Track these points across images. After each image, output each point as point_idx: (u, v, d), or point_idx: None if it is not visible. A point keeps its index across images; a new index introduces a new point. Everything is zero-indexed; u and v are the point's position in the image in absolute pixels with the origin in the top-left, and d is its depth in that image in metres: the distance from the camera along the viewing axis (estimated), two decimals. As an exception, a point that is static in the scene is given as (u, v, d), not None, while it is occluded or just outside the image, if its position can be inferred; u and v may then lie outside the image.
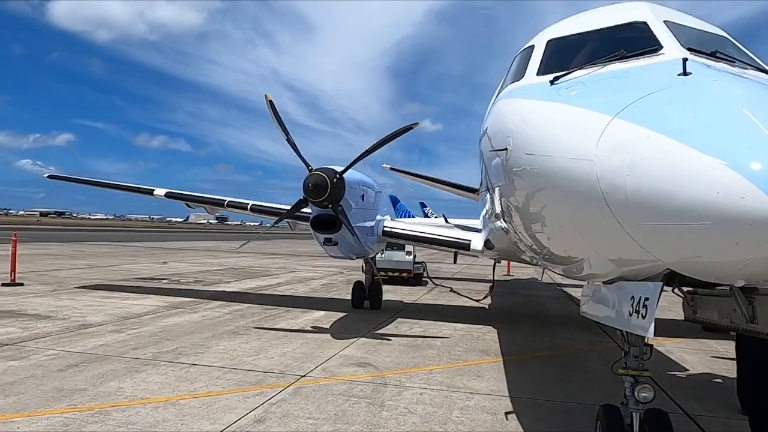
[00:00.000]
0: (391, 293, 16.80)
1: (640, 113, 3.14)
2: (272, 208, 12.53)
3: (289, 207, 10.45)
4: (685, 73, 3.41)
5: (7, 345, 7.98)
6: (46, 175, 14.66)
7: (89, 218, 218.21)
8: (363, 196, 10.53)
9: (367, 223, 10.94)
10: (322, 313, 12.29)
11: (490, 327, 11.33)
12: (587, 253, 3.85)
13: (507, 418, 5.79)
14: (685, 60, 3.48)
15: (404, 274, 19.28)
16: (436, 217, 32.39)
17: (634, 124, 3.10)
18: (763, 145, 2.60)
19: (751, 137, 2.66)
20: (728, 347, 8.70)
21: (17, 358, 7.29)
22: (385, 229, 11.83)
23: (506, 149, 4.35)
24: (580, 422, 5.68)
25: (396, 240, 12.51)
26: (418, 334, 10.37)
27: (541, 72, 4.72)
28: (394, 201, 43.64)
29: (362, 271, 13.51)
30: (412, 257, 19.43)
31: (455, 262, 25.23)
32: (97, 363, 7.20)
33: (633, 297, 3.56)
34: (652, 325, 3.31)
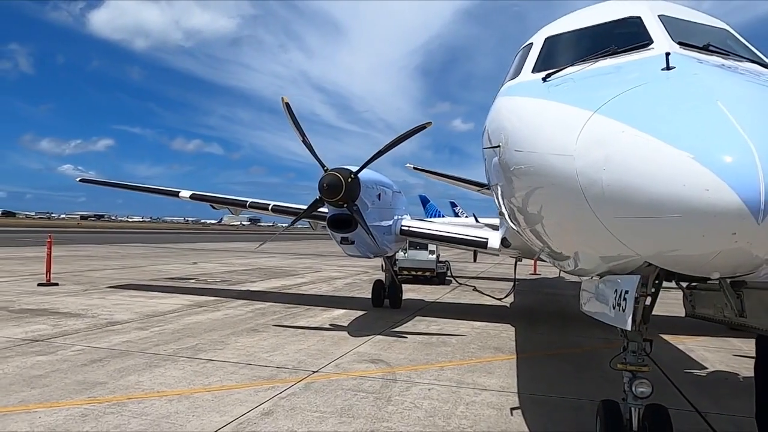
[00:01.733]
0: (413, 292, 16.89)
1: (618, 108, 3.18)
2: (292, 208, 12.76)
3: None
4: (668, 68, 3.43)
5: (37, 341, 8.37)
6: (78, 179, 15.27)
7: (127, 221, 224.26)
8: (379, 195, 10.65)
9: (383, 222, 11.05)
10: (342, 311, 12.47)
11: (508, 325, 11.32)
12: (574, 248, 3.89)
13: (512, 414, 5.83)
14: (667, 54, 3.49)
15: (427, 273, 19.33)
16: (466, 216, 32.28)
17: (611, 119, 3.14)
18: (730, 137, 2.62)
19: (719, 130, 2.68)
20: (753, 346, 8.53)
21: (45, 353, 7.66)
22: (403, 228, 11.92)
23: (499, 146, 4.41)
24: (586, 418, 5.66)
25: (413, 239, 12.58)
26: (435, 332, 10.43)
27: (536, 69, 4.76)
28: (424, 201, 43.58)
29: (382, 269, 13.62)
30: (435, 256, 19.47)
31: (475, 260, 25.13)
32: (119, 358, 7.50)
33: (616, 291, 3.60)
34: (630, 318, 3.35)
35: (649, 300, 4.68)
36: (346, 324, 10.83)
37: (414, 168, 20.61)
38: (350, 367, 7.49)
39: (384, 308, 13.19)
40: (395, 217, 11.83)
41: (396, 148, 9.56)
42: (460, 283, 19.07)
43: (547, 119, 3.77)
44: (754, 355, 7.49)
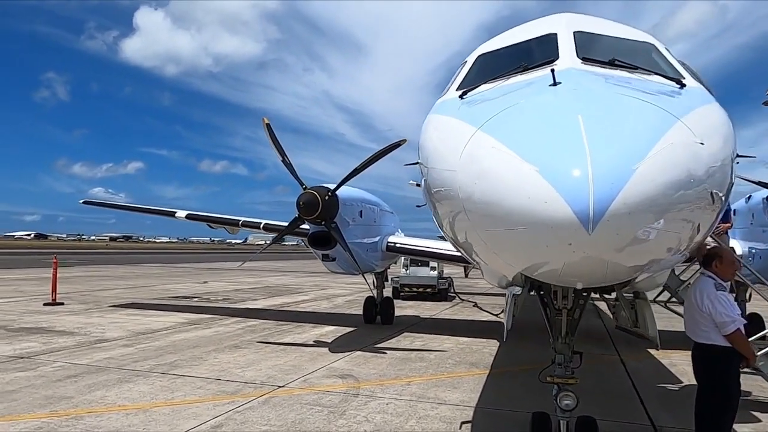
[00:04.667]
0: (411, 308, 16.91)
1: (495, 125, 3.28)
2: (282, 226, 12.94)
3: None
4: (554, 83, 3.53)
5: (22, 358, 8.67)
6: (81, 201, 15.80)
7: (154, 241, 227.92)
8: (361, 212, 10.80)
9: (367, 240, 11.18)
10: (332, 328, 12.58)
11: (494, 340, 11.27)
12: (477, 260, 3.97)
13: (460, 428, 5.86)
14: (553, 70, 3.59)
15: (429, 290, 19.33)
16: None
17: (487, 135, 3.24)
18: (573, 152, 2.70)
19: (567, 145, 2.76)
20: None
21: (26, 369, 7.93)
22: (389, 244, 12.03)
23: (419, 163, 4.54)
24: None
25: (400, 255, 12.67)
26: (417, 347, 10.46)
27: (460, 87, 4.87)
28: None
29: (373, 286, 13.72)
30: (436, 273, 19.47)
31: (466, 276, 25.23)
32: (94, 374, 7.74)
33: (507, 300, 3.68)
34: (506, 323, 3.42)
35: (578, 313, 4.77)
36: (330, 341, 10.92)
37: (416, 185, 20.70)
38: (317, 382, 7.59)
39: (375, 325, 13.24)
40: (381, 234, 11.95)
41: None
42: (462, 300, 19.07)
43: (447, 136, 3.88)
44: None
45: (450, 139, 3.76)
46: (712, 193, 3.05)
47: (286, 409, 6.31)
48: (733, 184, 4.81)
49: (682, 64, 5.43)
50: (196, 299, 18.35)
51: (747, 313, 11.62)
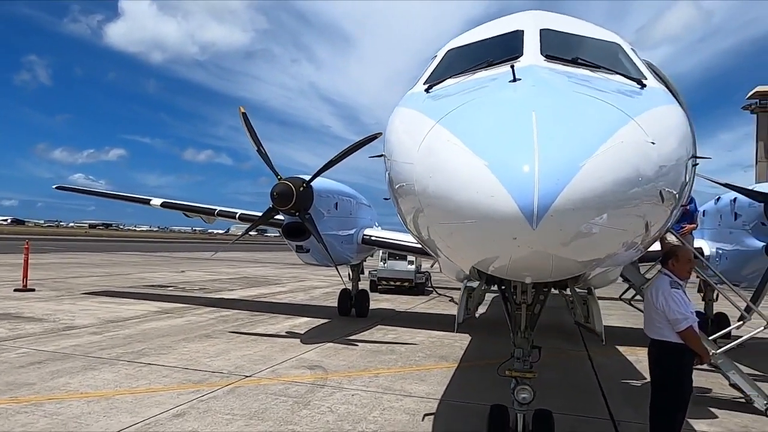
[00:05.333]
0: (387, 302, 16.97)
1: (453, 119, 3.30)
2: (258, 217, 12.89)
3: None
4: (514, 80, 3.55)
5: (-13, 344, 8.55)
6: (54, 186, 15.55)
7: (134, 230, 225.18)
8: (337, 204, 10.79)
9: (342, 232, 11.18)
10: (306, 319, 12.57)
11: (466, 335, 11.35)
12: (437, 254, 4.00)
13: (423, 420, 5.91)
14: (512, 66, 3.62)
15: (406, 284, 19.39)
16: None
17: (444, 129, 3.26)
18: (522, 147, 2.73)
19: (517, 140, 2.79)
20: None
21: (-11, 355, 7.82)
22: (365, 237, 12.05)
23: (383, 155, 4.55)
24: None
25: (376, 247, 12.71)
26: (389, 340, 10.51)
27: (427, 81, 4.88)
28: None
29: (348, 278, 13.74)
30: (414, 267, 19.54)
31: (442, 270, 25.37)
32: (59, 361, 7.65)
33: (461, 293, 3.71)
34: (458, 316, 3.45)
35: (538, 308, 4.84)
36: (303, 332, 10.92)
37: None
38: (285, 373, 7.60)
39: (350, 317, 13.27)
40: (357, 227, 11.96)
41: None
42: (439, 294, 19.19)
43: (409, 129, 3.89)
44: (704, 368, 7.61)
45: (411, 132, 3.77)
46: (662, 192, 3.10)
47: (250, 399, 6.31)
48: (688, 184, 4.89)
49: (648, 65, 5.50)
50: (171, 288, 18.21)
51: (714, 312, 11.90)
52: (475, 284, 4.71)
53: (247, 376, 7.30)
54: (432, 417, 6.02)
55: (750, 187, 7.98)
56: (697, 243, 10.56)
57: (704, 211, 10.53)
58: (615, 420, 6.20)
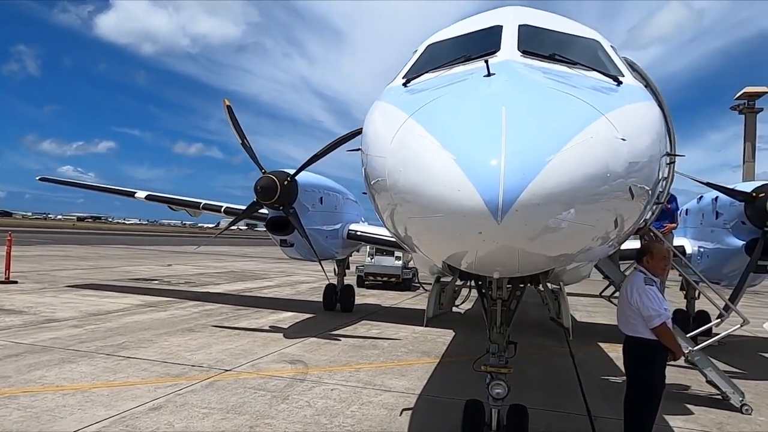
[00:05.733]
0: (374, 297, 16.97)
1: (425, 113, 3.29)
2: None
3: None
4: (488, 74, 3.54)
5: (-36, 336, 8.45)
6: (38, 178, 15.40)
7: (124, 223, 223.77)
8: (322, 199, 10.75)
9: (327, 226, 11.15)
10: (290, 314, 12.55)
11: (450, 330, 11.38)
12: (410, 248, 3.99)
13: (401, 415, 5.91)
14: (486, 61, 3.61)
15: (393, 279, 19.41)
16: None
17: (416, 123, 3.24)
18: (490, 141, 2.71)
19: (485, 135, 2.77)
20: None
21: (-34, 347, 7.73)
22: (350, 232, 12.03)
23: (360, 149, 4.52)
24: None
25: (361, 242, 12.69)
26: (372, 335, 10.51)
27: (405, 75, 4.86)
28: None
29: (334, 273, 13.72)
30: (401, 263, 19.55)
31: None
32: (37, 354, 7.58)
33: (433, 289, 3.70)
34: (426, 314, 3.45)
35: (514, 304, 4.85)
36: (286, 326, 10.90)
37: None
38: (265, 367, 7.57)
39: (335, 312, 13.26)
40: (343, 221, 11.93)
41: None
42: (426, 290, 19.18)
43: (383, 122, 3.87)
44: (675, 364, 7.70)
45: (385, 126, 3.75)
46: (632, 189, 3.10)
47: (228, 393, 6.28)
48: (662, 181, 4.91)
49: (629, 63, 5.50)
50: (156, 282, 18.10)
51: (696, 310, 12.02)
52: (448, 279, 4.72)
53: (226, 370, 7.27)
54: (410, 412, 6.03)
55: (731, 186, 8.04)
56: (680, 241, 10.65)
57: (687, 209, 10.61)
58: (592, 415, 6.24)
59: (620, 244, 4.62)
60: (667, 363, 4.89)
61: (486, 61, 3.62)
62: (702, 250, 10.06)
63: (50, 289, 14.59)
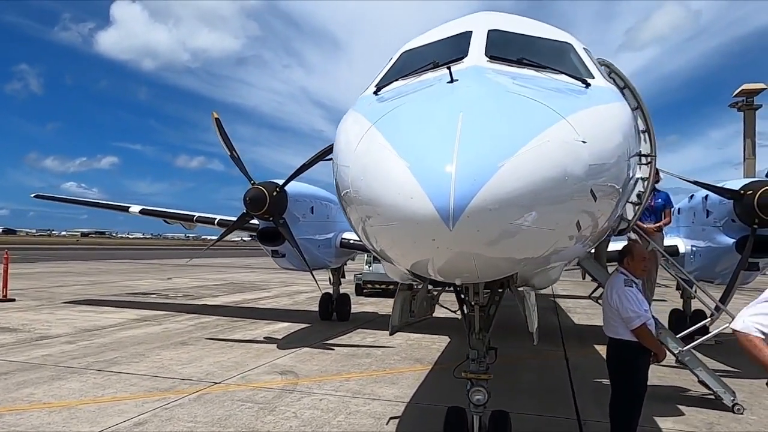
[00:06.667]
0: (372, 305, 16.94)
1: (386, 121, 3.29)
2: (237, 222, 12.84)
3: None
4: (451, 81, 3.55)
5: (-44, 355, 8.46)
6: (32, 195, 15.46)
7: (128, 238, 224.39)
8: (312, 208, 10.75)
9: (319, 236, 11.15)
10: (286, 324, 12.52)
11: (445, 336, 11.34)
12: (379, 256, 3.98)
13: (387, 423, 5.88)
14: (449, 68, 3.62)
15: (391, 287, 19.33)
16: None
17: (378, 131, 3.24)
18: (443, 148, 2.71)
19: (439, 142, 2.77)
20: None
21: (-44, 367, 7.74)
22: (343, 240, 12.02)
23: (332, 158, 4.53)
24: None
25: (354, 251, 12.68)
26: (366, 344, 10.48)
27: (378, 83, 4.87)
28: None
29: (329, 282, 13.70)
30: (400, 269, 19.49)
31: None
32: (27, 371, 7.58)
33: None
34: (390, 323, 3.44)
35: (493, 309, 4.83)
36: (281, 337, 10.89)
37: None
38: (255, 379, 7.55)
39: (331, 321, 13.23)
40: (336, 231, 11.92)
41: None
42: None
43: (351, 131, 3.88)
44: (667, 364, 7.65)
45: (352, 134, 3.76)
46: (593, 190, 3.09)
47: (216, 406, 6.26)
48: (632, 180, 4.89)
49: (606, 66, 5.50)
50: (154, 295, 18.11)
51: (692, 310, 11.96)
52: (420, 285, 4.70)
53: (216, 383, 7.25)
54: (397, 420, 5.99)
55: (719, 185, 8.02)
56: (673, 240, 10.62)
57: (679, 209, 10.58)
58: (581, 420, 6.20)
59: (592, 246, 4.60)
60: (657, 364, 4.87)
61: (449, 68, 3.63)
62: (695, 248, 10.02)
63: (47, 306, 14.61)
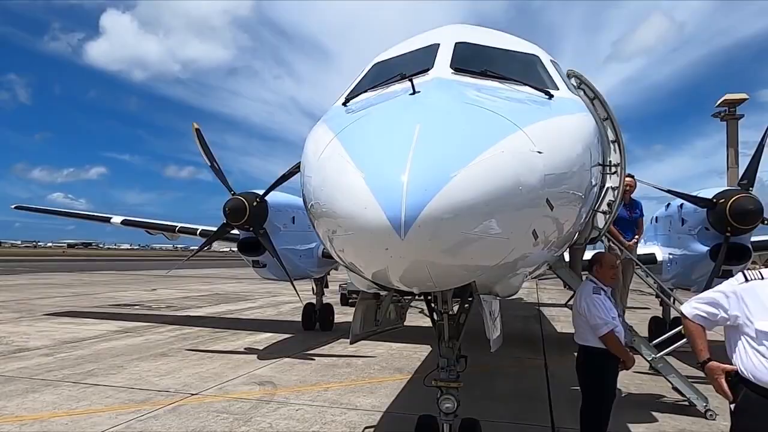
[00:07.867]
0: (356, 315, 16.89)
1: (348, 132, 3.34)
2: (219, 233, 12.81)
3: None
4: (413, 92, 3.61)
5: (-71, 369, 8.34)
6: (13, 206, 15.35)
7: (115, 248, 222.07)
8: (294, 218, 10.76)
9: (300, 246, 11.16)
10: (269, 335, 12.48)
11: (427, 346, 11.35)
12: (344, 266, 4.01)
13: (362, 433, 5.89)
14: (411, 79, 3.68)
15: (376, 297, 19.32)
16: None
17: (339, 142, 3.29)
18: (397, 159, 2.76)
19: (393, 153, 2.82)
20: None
21: (-71, 380, 7.63)
22: (325, 251, 11.99)
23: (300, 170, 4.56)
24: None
25: (336, 261, 12.67)
26: (348, 353, 10.44)
27: (348, 94, 4.93)
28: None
29: (312, 293, 13.69)
30: (384, 279, 19.48)
31: None
32: (1, 384, 7.50)
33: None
34: (351, 331, 3.47)
35: (463, 318, 4.86)
36: (262, 348, 10.84)
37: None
38: (232, 389, 7.52)
39: (315, 331, 13.21)
40: (318, 241, 11.90)
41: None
42: (410, 306, 19.13)
43: (315, 142, 3.92)
44: (643, 371, 7.71)
45: (316, 145, 3.81)
46: (549, 200, 3.15)
47: (190, 417, 6.23)
48: (604, 190, 4.96)
49: (574, 77, 5.58)
50: (137, 307, 17.97)
51: (672, 317, 12.06)
52: (382, 293, 4.73)
53: (192, 394, 7.22)
54: (372, 429, 6.00)
55: (693, 194, 8.14)
56: (651, 249, 10.75)
57: (656, 217, 10.72)
58: (555, 427, 6.24)
59: (556, 253, 4.66)
60: (626, 370, 4.93)
61: (410, 80, 3.69)
62: (671, 256, 10.14)
63: (26, 318, 14.45)
